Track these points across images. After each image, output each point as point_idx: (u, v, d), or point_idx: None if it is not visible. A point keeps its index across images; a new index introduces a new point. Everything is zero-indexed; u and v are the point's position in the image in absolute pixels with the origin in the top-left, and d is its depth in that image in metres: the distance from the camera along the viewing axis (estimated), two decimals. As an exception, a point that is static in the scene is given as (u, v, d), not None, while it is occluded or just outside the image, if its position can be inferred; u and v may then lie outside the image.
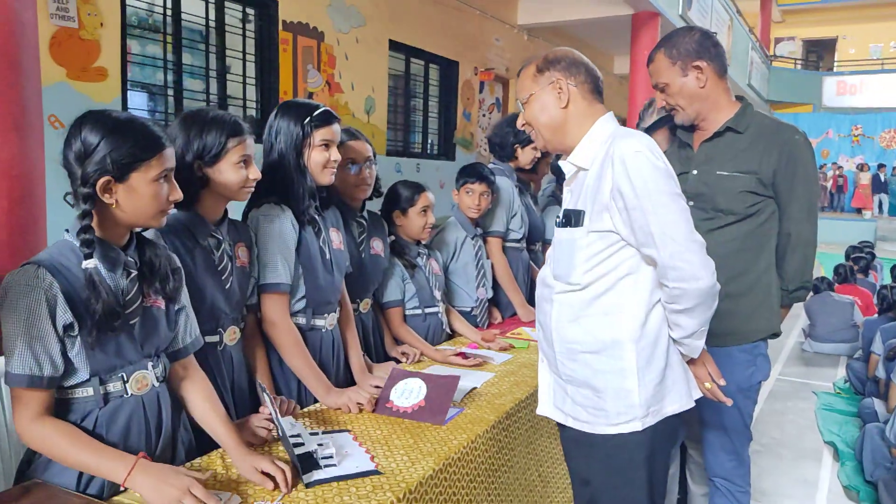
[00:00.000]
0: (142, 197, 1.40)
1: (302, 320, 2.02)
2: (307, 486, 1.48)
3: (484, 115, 11.69)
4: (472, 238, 2.96)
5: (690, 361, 1.68)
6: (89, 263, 1.36)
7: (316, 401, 1.98)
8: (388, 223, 2.58)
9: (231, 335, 1.82)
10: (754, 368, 2.11)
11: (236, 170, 1.71)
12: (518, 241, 3.23)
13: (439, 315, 2.69)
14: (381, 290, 2.54)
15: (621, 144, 1.51)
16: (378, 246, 2.45)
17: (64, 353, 1.36)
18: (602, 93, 1.67)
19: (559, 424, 1.74)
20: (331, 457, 1.59)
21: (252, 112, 6.68)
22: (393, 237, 2.58)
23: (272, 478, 1.45)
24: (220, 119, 1.71)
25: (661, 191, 1.48)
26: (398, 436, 1.77)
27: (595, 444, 1.64)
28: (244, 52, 6.55)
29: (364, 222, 2.40)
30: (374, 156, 2.32)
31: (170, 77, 5.71)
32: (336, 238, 2.13)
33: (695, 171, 2.11)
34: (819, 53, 26.26)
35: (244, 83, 6.57)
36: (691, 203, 1.91)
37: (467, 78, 10.46)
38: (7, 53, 2.35)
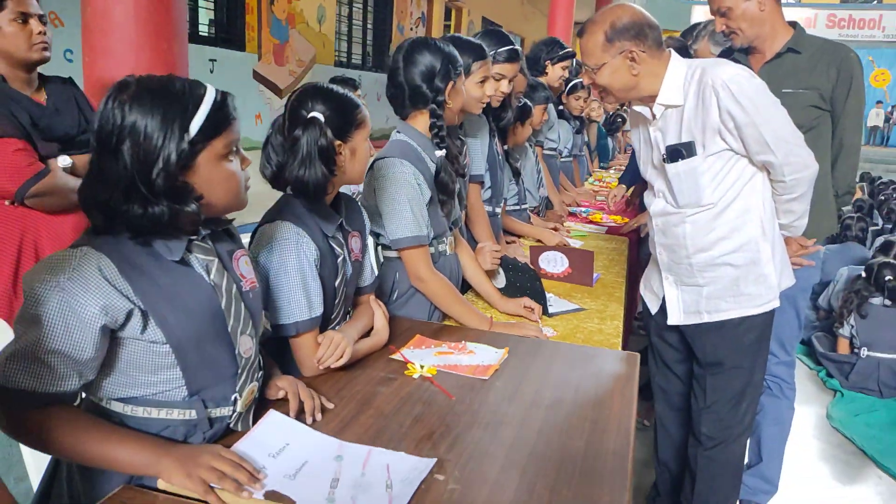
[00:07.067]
0: (465, 95, 1.93)
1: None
2: (550, 315, 2.10)
3: (412, 30, 11.87)
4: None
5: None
6: (441, 152, 1.86)
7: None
8: (505, 134, 2.84)
9: (450, 244, 2.11)
10: (813, 269, 2.30)
11: (477, 88, 2.06)
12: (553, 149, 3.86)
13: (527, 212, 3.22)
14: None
15: (716, 72, 1.70)
16: None
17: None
18: (662, 41, 1.80)
19: (681, 326, 2.01)
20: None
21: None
22: (507, 146, 2.88)
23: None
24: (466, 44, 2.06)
25: (765, 103, 1.70)
26: (571, 297, 2.36)
27: (728, 327, 1.91)
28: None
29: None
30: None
31: None
32: None
33: None
34: None
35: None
36: None
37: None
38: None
